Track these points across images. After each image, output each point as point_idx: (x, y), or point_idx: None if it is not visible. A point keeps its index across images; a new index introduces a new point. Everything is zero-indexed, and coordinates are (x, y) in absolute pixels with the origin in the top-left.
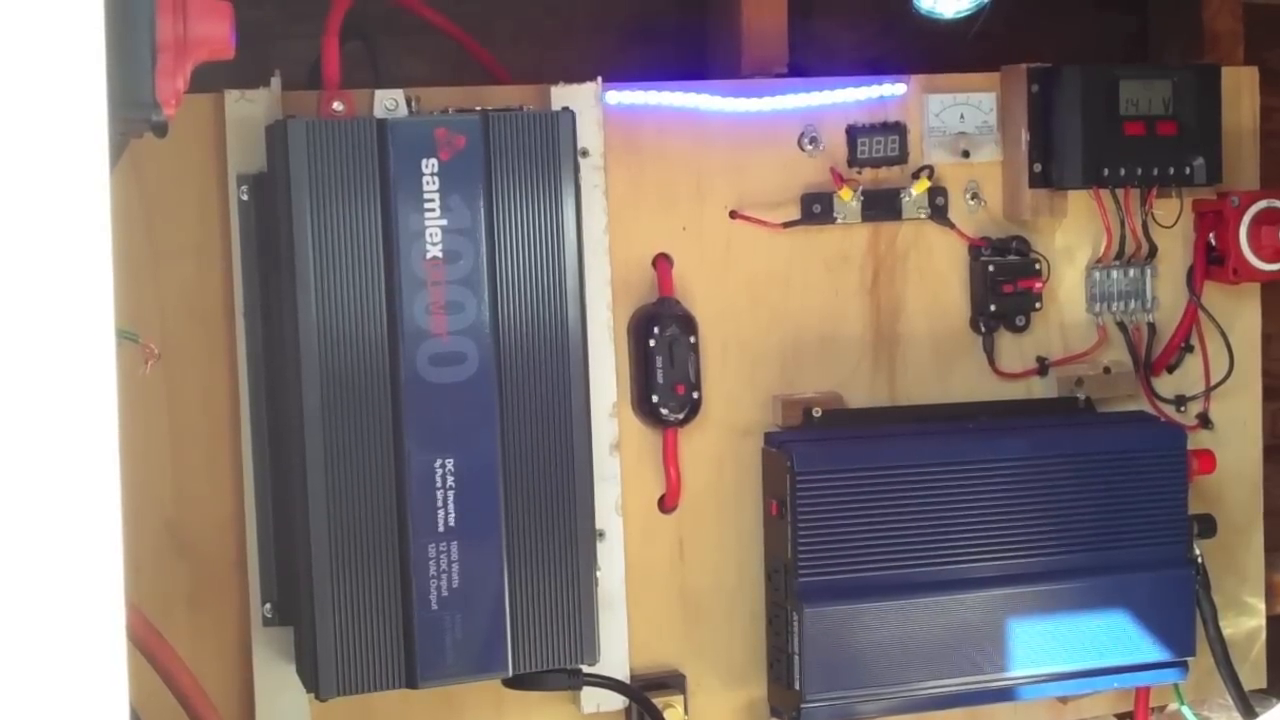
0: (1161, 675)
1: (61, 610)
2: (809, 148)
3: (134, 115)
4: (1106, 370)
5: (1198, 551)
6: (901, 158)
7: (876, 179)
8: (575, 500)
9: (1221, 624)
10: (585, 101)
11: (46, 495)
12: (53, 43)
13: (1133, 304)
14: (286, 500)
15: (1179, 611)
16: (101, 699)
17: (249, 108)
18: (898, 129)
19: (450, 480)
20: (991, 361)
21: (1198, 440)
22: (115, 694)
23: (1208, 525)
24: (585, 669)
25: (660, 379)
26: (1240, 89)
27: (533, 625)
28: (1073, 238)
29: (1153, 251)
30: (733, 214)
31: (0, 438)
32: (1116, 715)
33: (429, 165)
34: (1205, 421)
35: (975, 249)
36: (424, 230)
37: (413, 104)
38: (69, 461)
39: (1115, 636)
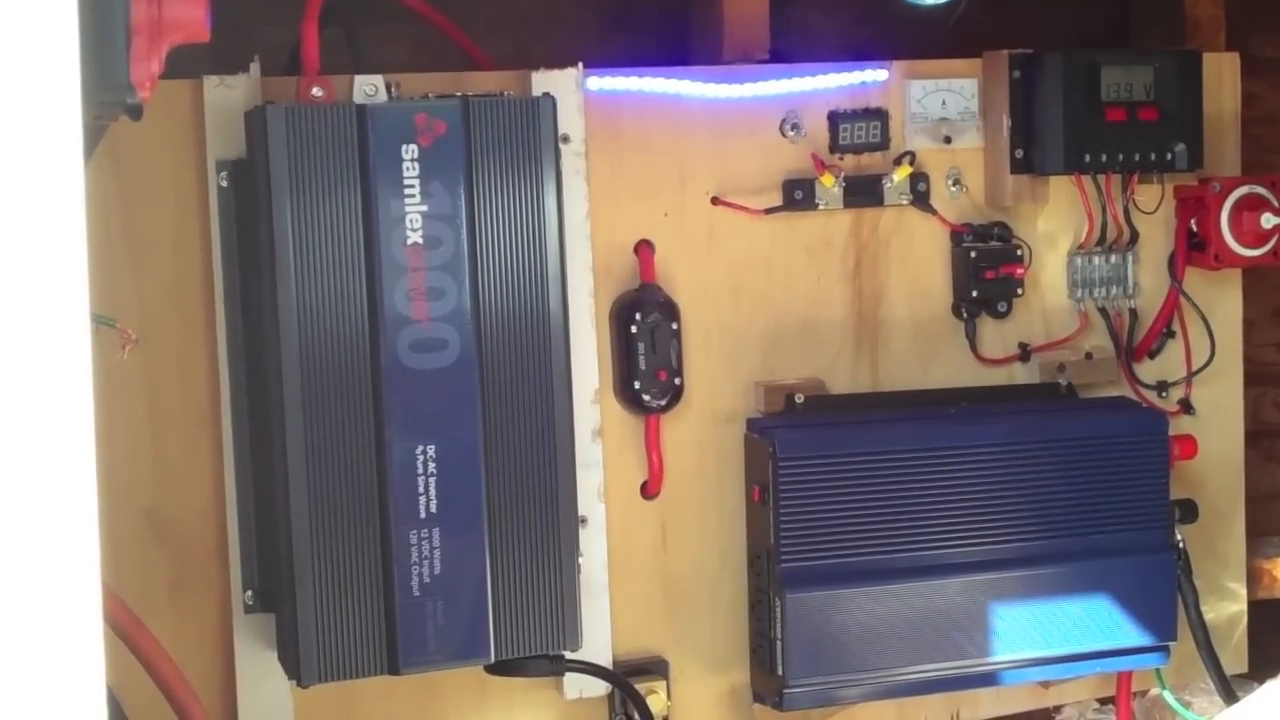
0: (1143, 660)
1: (37, 597)
2: (791, 134)
3: (108, 98)
4: (1088, 356)
5: (1179, 537)
6: (883, 144)
7: (858, 165)
8: (557, 486)
9: (1203, 609)
10: (566, 87)
11: (21, 481)
12: (24, 24)
13: (1114, 290)
14: (267, 487)
15: (1161, 596)
16: (78, 685)
17: (228, 94)
18: (879, 115)
19: (432, 467)
20: (973, 347)
21: (1179, 426)
22: (92, 680)
23: (1189, 510)
24: (568, 655)
25: (642, 365)
26: (1222, 74)
27: (515, 612)
28: (1054, 223)
29: (1134, 237)
30: (714, 200)
31: None
32: (1098, 700)
33: (409, 151)
34: (1187, 407)
35: (957, 235)
36: (404, 216)
37: (393, 90)
38: (44, 448)
39: (1097, 621)
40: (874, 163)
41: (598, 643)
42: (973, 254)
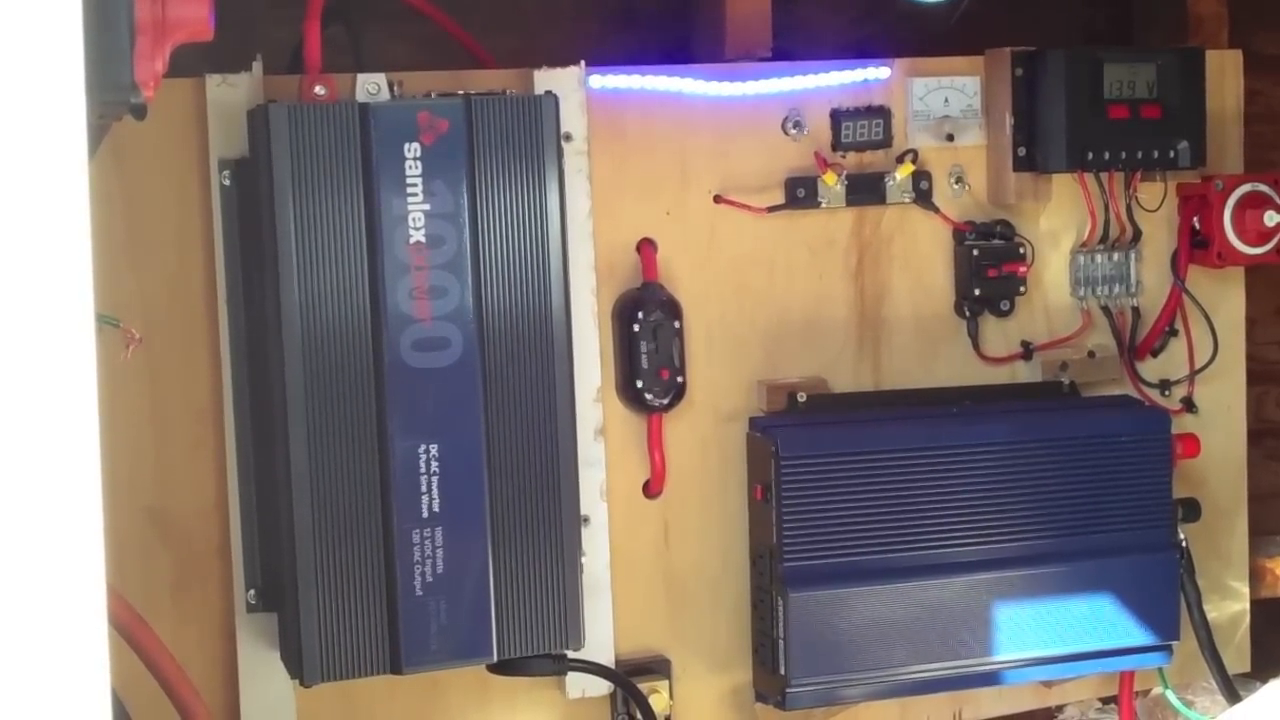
0: (1146, 659)
1: (42, 596)
2: (793, 132)
3: (113, 98)
4: (1091, 354)
5: (1182, 535)
6: (886, 142)
7: (861, 163)
8: (560, 486)
9: (1205, 608)
10: (569, 86)
11: (26, 481)
12: (30, 25)
13: (1117, 288)
14: (270, 486)
15: (1163, 595)
16: (82, 684)
17: (230, 92)
18: (882, 113)
19: (434, 466)
20: (976, 346)
21: (1182, 424)
22: (96, 679)
23: (1192, 509)
24: (570, 654)
25: (644, 364)
26: (1224, 72)
27: (518, 611)
28: (1057, 221)
29: (1137, 235)
30: (717, 198)
31: None
32: (1101, 699)
33: (411, 150)
34: (1189, 405)
35: (960, 233)
36: (407, 215)
37: (395, 88)
38: (49, 447)
39: (1099, 621)
40: (876, 161)
41: (600, 642)
42: (975, 252)
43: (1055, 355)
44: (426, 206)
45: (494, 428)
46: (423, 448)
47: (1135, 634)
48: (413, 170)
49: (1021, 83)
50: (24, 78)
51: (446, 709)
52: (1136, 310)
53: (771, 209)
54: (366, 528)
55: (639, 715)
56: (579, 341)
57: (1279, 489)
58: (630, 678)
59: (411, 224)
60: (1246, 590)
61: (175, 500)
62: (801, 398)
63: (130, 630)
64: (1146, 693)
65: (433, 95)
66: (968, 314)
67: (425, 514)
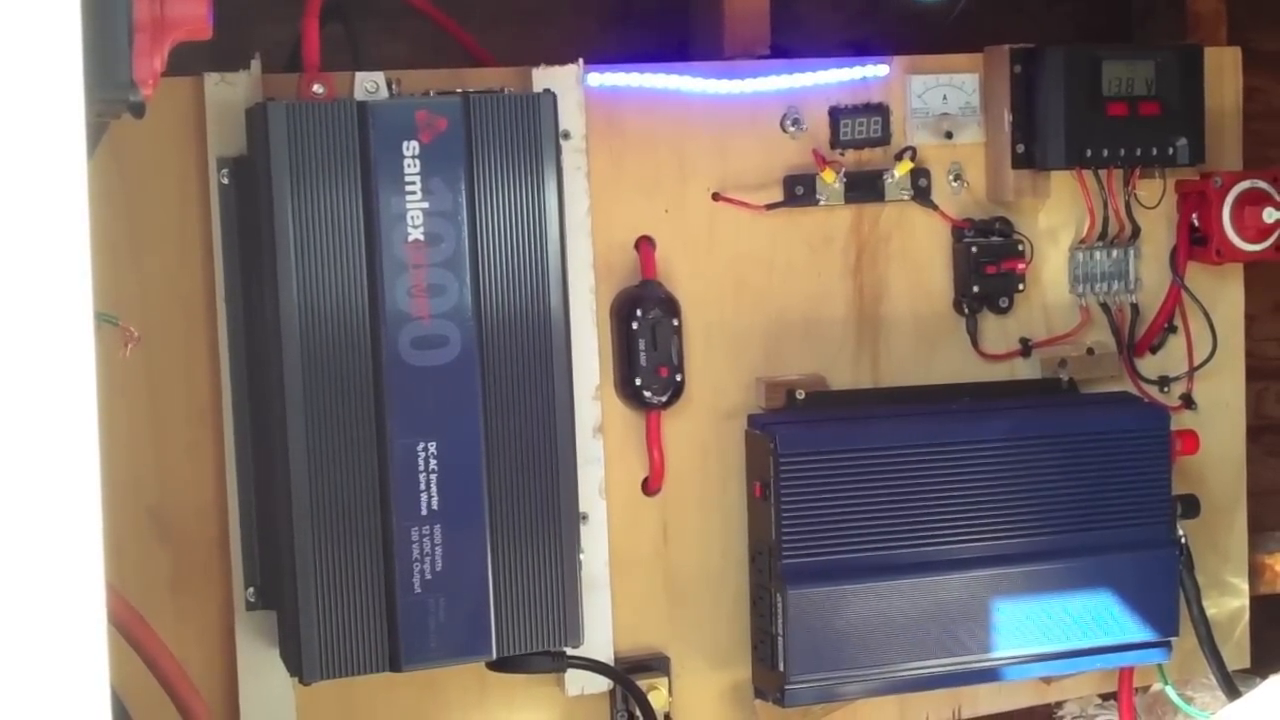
0: (1145, 655)
1: (42, 595)
2: (791, 129)
3: (111, 96)
4: (1090, 351)
5: (1181, 532)
6: (884, 139)
7: (859, 160)
8: (558, 483)
9: (1205, 604)
10: (567, 83)
11: (26, 480)
12: (27, 22)
13: (1116, 285)
14: (269, 484)
15: (1162, 592)
16: (82, 683)
17: (229, 91)
18: (880, 110)
19: (433, 463)
20: (975, 343)
21: (1181, 421)
22: (96, 678)
23: (1191, 506)
24: (569, 651)
25: (643, 362)
26: (1223, 69)
27: (516, 608)
28: (1056, 219)
29: (1136, 232)
30: (715, 196)
31: None
32: (1101, 696)
33: (410, 148)
34: (1188, 402)
35: (958, 230)
36: (405, 213)
37: (393, 86)
38: (47, 446)
39: (1099, 617)
40: (875, 158)
41: (599, 639)
42: (974, 249)
43: (1054, 352)
44: (425, 204)
45: (493, 425)
46: (421, 445)
47: (1135, 630)
48: (411, 168)
49: (1020, 80)
50: (23, 76)
51: (446, 707)
52: (1135, 307)
53: (770, 206)
54: (365, 526)
55: (638, 712)
56: (577, 339)
57: (1278, 485)
58: (629, 675)
59: (410, 222)
60: (1246, 586)
61: (174, 498)
62: (800, 395)
63: (130, 628)
64: (1146, 689)
65: (431, 93)
66: (966, 311)
67: (424, 511)
